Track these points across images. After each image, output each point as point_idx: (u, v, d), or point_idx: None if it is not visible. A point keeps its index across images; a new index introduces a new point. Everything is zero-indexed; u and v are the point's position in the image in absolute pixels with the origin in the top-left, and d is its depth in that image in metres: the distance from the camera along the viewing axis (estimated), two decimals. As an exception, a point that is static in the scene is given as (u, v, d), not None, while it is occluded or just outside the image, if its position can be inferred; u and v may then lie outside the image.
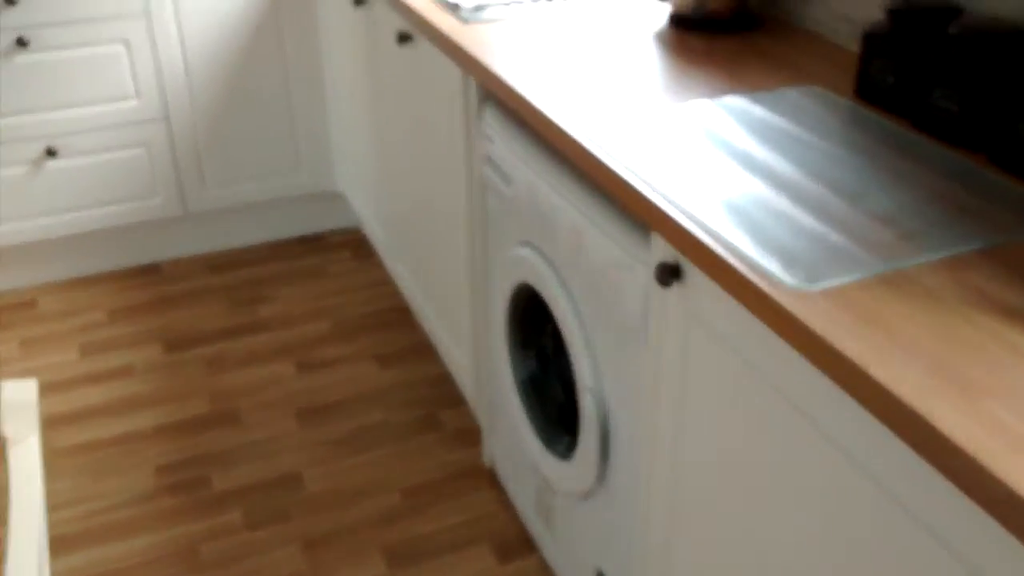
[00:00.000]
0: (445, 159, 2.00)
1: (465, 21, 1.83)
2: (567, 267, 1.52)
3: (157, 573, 1.95)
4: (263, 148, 2.93)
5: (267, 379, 2.51)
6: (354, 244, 3.12)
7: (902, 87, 1.36)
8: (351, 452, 2.26)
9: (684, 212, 1.13)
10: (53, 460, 2.18)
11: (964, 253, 1.03)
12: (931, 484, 0.83)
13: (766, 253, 1.03)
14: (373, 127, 2.52)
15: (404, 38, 2.02)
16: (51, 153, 2.69)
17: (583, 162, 1.33)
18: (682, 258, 1.17)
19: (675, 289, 1.20)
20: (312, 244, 3.12)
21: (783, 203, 1.14)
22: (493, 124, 1.71)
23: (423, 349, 2.61)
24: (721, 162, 1.25)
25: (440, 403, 2.41)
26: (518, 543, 2.01)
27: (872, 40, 1.41)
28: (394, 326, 2.71)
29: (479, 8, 1.88)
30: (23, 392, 1.01)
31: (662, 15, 1.88)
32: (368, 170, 2.68)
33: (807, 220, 1.10)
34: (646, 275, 1.27)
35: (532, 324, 1.82)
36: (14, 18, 2.53)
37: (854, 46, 1.67)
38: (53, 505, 2.07)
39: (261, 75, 2.84)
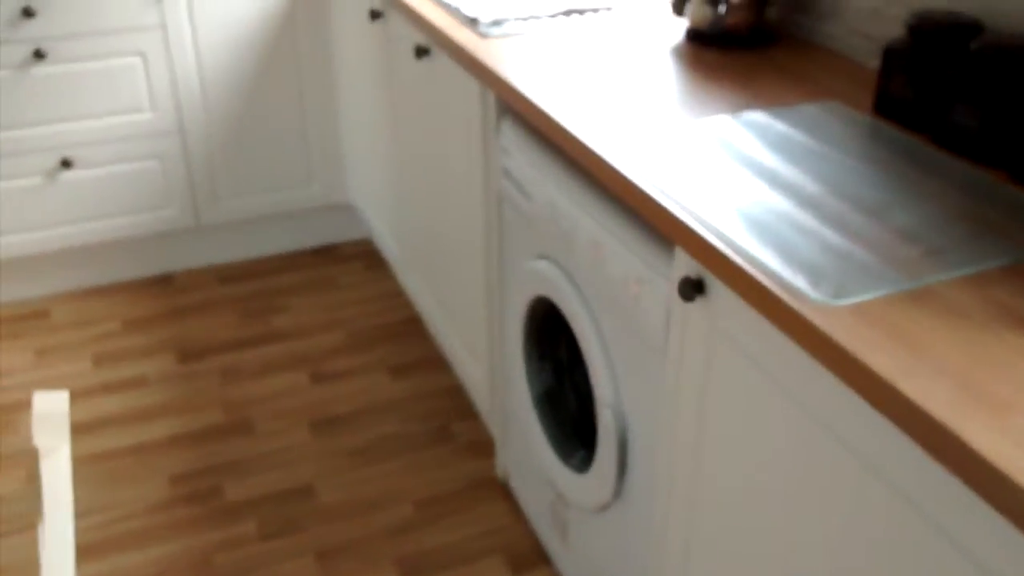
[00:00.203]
0: (461, 172, 2.01)
1: (483, 35, 1.84)
2: (586, 280, 1.53)
3: (172, 583, 1.96)
4: (276, 160, 2.95)
5: (281, 390, 2.51)
6: (366, 256, 3.13)
7: (922, 103, 1.37)
8: (364, 463, 2.27)
9: (708, 227, 1.14)
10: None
11: (989, 269, 1.04)
12: (961, 500, 0.83)
13: (792, 268, 1.04)
14: (389, 140, 2.53)
15: (422, 52, 2.04)
16: (66, 164, 2.70)
17: (605, 176, 1.34)
18: (706, 273, 1.17)
19: (698, 304, 1.20)
20: (324, 256, 3.14)
21: (807, 219, 1.15)
22: (511, 137, 1.72)
23: (435, 361, 2.62)
24: (743, 177, 1.26)
25: (453, 415, 2.42)
26: (531, 556, 2.01)
27: (892, 56, 1.42)
28: (406, 337, 2.72)
29: (497, 23, 1.90)
30: (55, 403, 1.02)
31: (679, 30, 1.89)
32: (382, 182, 2.69)
33: (832, 236, 1.11)
34: (668, 289, 1.28)
35: (548, 337, 1.82)
36: (32, 30, 2.54)
37: (872, 62, 1.68)
38: (68, 515, 2.07)
39: (275, 88, 2.85)
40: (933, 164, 1.29)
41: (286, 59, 2.83)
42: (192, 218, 2.92)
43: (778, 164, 1.30)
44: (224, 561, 2.01)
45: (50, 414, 1.01)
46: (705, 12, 1.78)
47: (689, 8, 1.82)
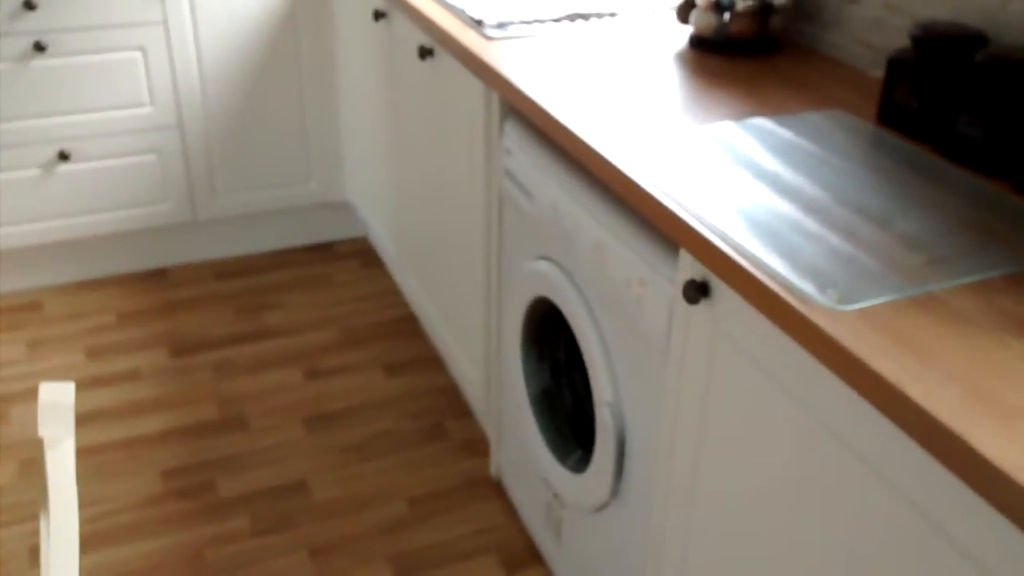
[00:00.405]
0: (463, 172, 2.02)
1: (488, 38, 1.85)
2: (588, 281, 1.54)
3: (164, 577, 1.95)
4: (275, 157, 2.95)
5: (275, 386, 2.51)
6: (362, 253, 3.13)
7: (926, 113, 1.39)
8: (358, 460, 2.27)
9: (714, 230, 1.15)
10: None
11: (993, 278, 1.05)
12: (967, 504, 0.85)
13: (799, 273, 1.05)
14: (389, 139, 2.53)
15: (425, 53, 2.05)
16: (64, 157, 2.69)
17: (610, 178, 1.35)
18: (711, 276, 1.18)
19: (702, 306, 1.21)
20: (319, 253, 3.14)
21: (812, 224, 1.16)
22: (514, 138, 1.73)
23: (430, 359, 2.62)
24: (748, 182, 1.27)
25: (447, 413, 2.42)
26: (525, 555, 2.02)
27: (896, 66, 1.43)
28: (402, 336, 2.72)
29: (502, 25, 1.90)
30: (61, 394, 1.02)
31: (683, 37, 1.90)
32: (381, 181, 2.70)
33: (837, 241, 1.12)
34: (671, 292, 1.29)
35: (546, 337, 1.83)
36: (33, 23, 2.54)
37: (874, 71, 1.70)
38: (61, 507, 2.07)
39: (275, 85, 2.85)
40: (937, 173, 1.30)
41: (287, 56, 2.83)
42: (189, 213, 2.92)
43: (783, 170, 1.31)
44: (216, 556, 2.01)
45: (56, 405, 1.01)
46: (709, 19, 1.80)
47: (693, 15, 1.83)
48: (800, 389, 1.05)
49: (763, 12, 1.78)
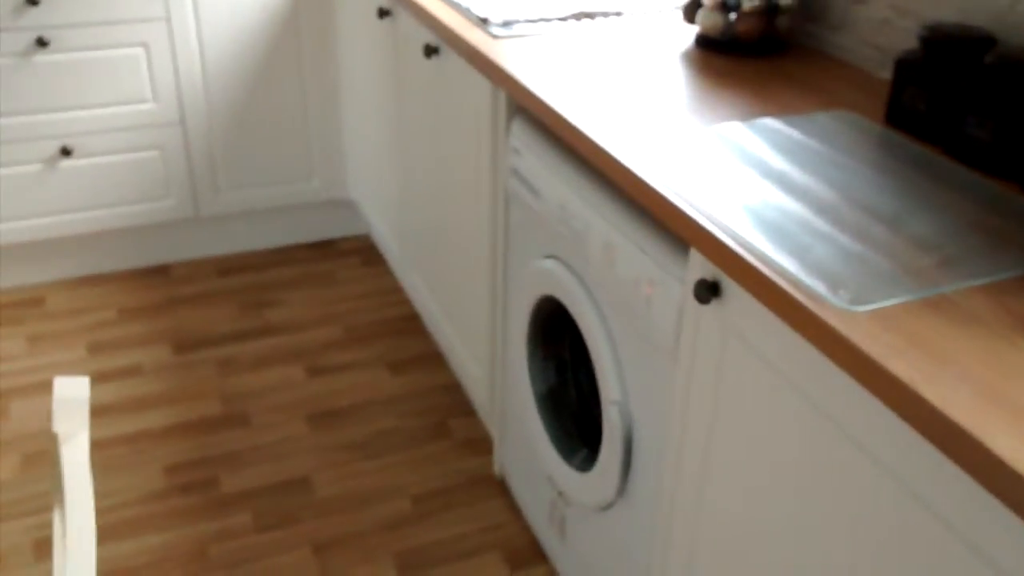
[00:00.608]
0: (469, 171, 2.02)
1: (494, 36, 1.85)
2: (596, 281, 1.54)
3: (166, 573, 1.95)
4: (277, 154, 2.95)
5: (277, 383, 2.52)
6: (364, 251, 3.14)
7: (934, 115, 1.39)
8: (361, 457, 2.27)
9: (726, 230, 1.16)
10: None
11: (1005, 279, 1.06)
12: (981, 505, 0.85)
13: (811, 274, 1.05)
14: (393, 137, 2.54)
15: (431, 51, 2.05)
16: (66, 152, 2.69)
17: (620, 178, 1.36)
18: (722, 276, 1.19)
19: (713, 306, 1.22)
20: (322, 250, 3.14)
21: (823, 225, 1.17)
22: (522, 137, 1.73)
23: (433, 358, 2.63)
24: (757, 182, 1.28)
25: (450, 412, 2.43)
26: (529, 553, 2.02)
27: (904, 67, 1.44)
28: (404, 334, 2.73)
29: (507, 24, 1.91)
30: (75, 389, 1.02)
31: (689, 36, 1.91)
32: (385, 179, 2.70)
33: (848, 242, 1.12)
34: (681, 291, 1.29)
35: (551, 336, 1.84)
36: (36, 18, 2.54)
37: (882, 73, 1.71)
38: (64, 503, 2.07)
39: (278, 82, 2.85)
40: (946, 175, 1.31)
41: (289, 53, 2.83)
42: (191, 209, 2.92)
43: (792, 170, 1.31)
44: (219, 552, 2.01)
45: (71, 399, 1.01)
46: (716, 19, 1.80)
47: (699, 15, 1.83)
48: (812, 389, 1.05)
49: (770, 12, 1.79)
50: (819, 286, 1.03)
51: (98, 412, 2.38)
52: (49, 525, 2.05)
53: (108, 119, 2.71)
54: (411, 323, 2.77)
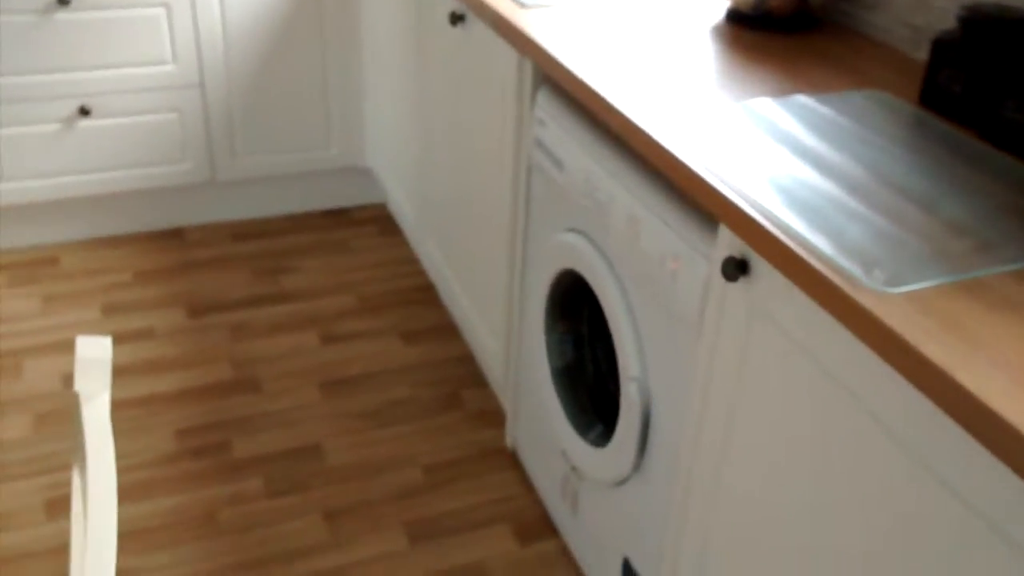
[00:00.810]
0: (492, 141, 2.00)
1: (522, 4, 1.83)
2: (619, 255, 1.53)
3: (177, 536, 1.96)
4: (296, 120, 2.93)
5: (290, 349, 2.51)
6: (380, 220, 3.12)
7: (970, 96, 1.37)
8: (373, 426, 2.27)
9: (757, 207, 1.14)
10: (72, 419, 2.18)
11: (1041, 265, 1.04)
12: (1015, 492, 0.84)
13: (844, 254, 1.04)
14: (414, 105, 2.51)
15: (456, 18, 2.02)
16: (84, 112, 2.68)
17: (648, 151, 1.34)
18: (751, 253, 1.17)
19: (740, 284, 1.20)
20: (337, 218, 3.13)
21: (857, 205, 1.15)
22: (547, 108, 1.71)
23: (447, 328, 2.62)
24: (789, 160, 1.26)
25: (463, 383, 2.42)
26: (539, 526, 2.02)
27: (941, 48, 1.41)
28: (419, 304, 2.72)
29: (535, -8, 1.88)
30: (97, 349, 1.01)
31: (719, 10, 1.88)
32: (404, 148, 2.68)
33: (882, 223, 1.11)
34: (708, 268, 1.28)
35: (570, 310, 1.82)
36: (57, -27, 2.52)
37: (917, 53, 1.68)
38: (76, 462, 2.07)
39: (299, 48, 2.83)
40: (981, 158, 1.29)
41: (311, 19, 2.81)
42: (208, 173, 2.90)
43: (824, 149, 1.29)
44: (230, 516, 2.02)
45: (93, 359, 1.01)
46: (747, -7, 1.77)
47: (731, -12, 1.81)
48: (841, 371, 1.04)
49: (802, -11, 1.76)
50: (854, 267, 1.01)
51: (112, 374, 2.38)
52: (61, 485, 2.05)
53: (127, 80, 2.69)
54: (426, 293, 2.76)
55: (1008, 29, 1.34)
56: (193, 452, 2.17)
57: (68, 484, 2.05)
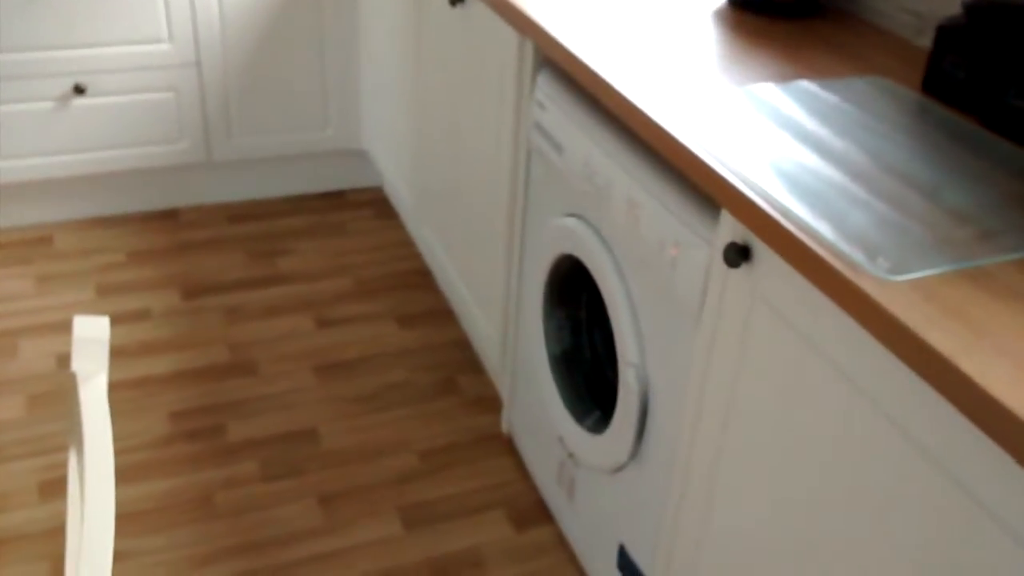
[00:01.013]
0: (490, 124, 1.99)
1: (522, -14, 1.81)
2: (618, 240, 1.52)
3: (172, 519, 1.95)
4: (292, 102, 2.91)
5: (286, 332, 2.50)
6: (376, 203, 3.11)
7: (974, 84, 1.36)
8: (369, 410, 2.26)
9: (760, 193, 1.13)
10: (67, 400, 2.17)
11: (1045, 254, 1.03)
12: (1018, 482, 0.84)
13: (847, 240, 1.03)
14: (412, 88, 2.50)
15: (456, -1, 2.01)
16: (79, 90, 2.66)
17: (648, 135, 1.33)
18: (754, 239, 1.17)
19: (742, 270, 1.20)
20: (333, 201, 3.11)
21: (860, 191, 1.14)
22: (547, 91, 1.70)
23: (443, 313, 2.61)
24: (791, 145, 1.25)
25: (459, 368, 2.42)
26: (534, 512, 2.02)
27: (945, 34, 1.40)
28: (415, 288, 2.71)
29: (536, -26, 1.86)
30: (95, 329, 1.00)
31: (720, -5, 1.87)
32: (401, 131, 2.67)
33: (885, 210, 1.10)
34: (709, 254, 1.27)
35: (568, 296, 1.82)
36: (53, -50, 2.49)
37: (919, 40, 1.67)
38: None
39: (296, 28, 2.81)
40: (984, 146, 1.28)
41: (308, -2, 2.79)
42: (204, 154, 2.88)
43: (827, 135, 1.28)
44: (225, 499, 2.01)
45: (91, 339, 1.00)
46: (749, -22, 1.76)
47: (733, -27, 1.79)
48: (844, 359, 1.03)
49: (805, -26, 1.75)
50: (857, 253, 1.01)
51: (106, 354, 2.37)
52: (55, 466, 2.04)
53: (123, 58, 2.67)
54: (422, 278, 2.75)
55: (1013, 16, 1.33)
56: (188, 435, 2.16)
57: (62, 465, 2.04)
